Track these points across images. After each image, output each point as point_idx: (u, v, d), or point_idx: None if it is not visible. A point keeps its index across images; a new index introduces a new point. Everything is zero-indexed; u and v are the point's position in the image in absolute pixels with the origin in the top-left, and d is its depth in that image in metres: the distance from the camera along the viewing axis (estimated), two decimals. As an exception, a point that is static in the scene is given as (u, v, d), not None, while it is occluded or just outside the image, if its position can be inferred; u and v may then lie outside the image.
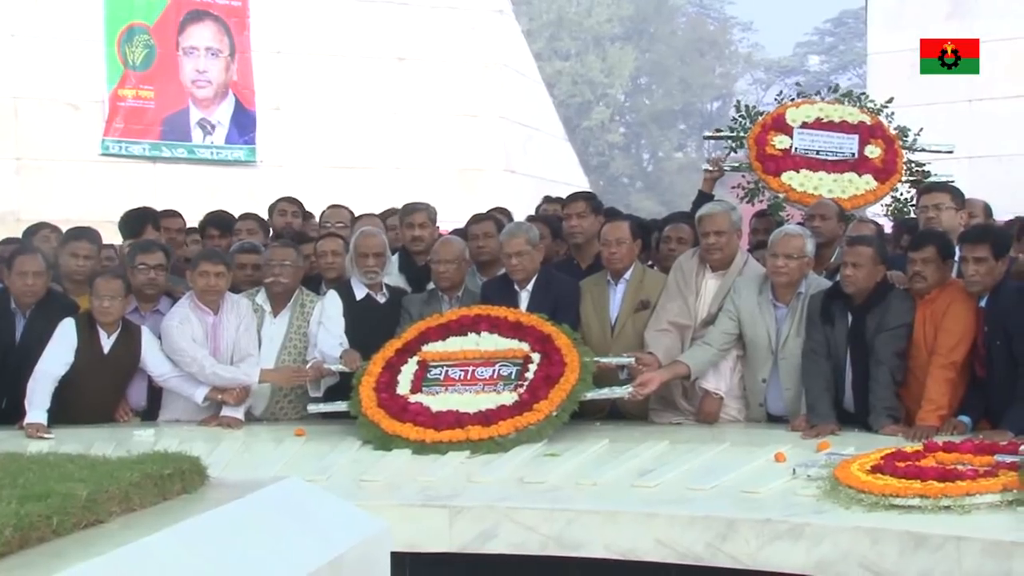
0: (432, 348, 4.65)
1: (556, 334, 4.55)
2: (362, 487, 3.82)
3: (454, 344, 4.65)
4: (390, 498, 3.66)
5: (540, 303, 4.85)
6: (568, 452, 4.12)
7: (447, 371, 4.55)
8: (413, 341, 4.70)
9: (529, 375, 4.44)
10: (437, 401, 4.40)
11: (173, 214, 6.25)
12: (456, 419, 4.26)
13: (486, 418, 4.25)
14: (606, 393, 4.52)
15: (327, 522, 2.89)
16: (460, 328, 4.69)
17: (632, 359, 4.56)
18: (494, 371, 4.50)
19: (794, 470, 3.67)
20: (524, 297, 4.91)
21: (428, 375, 4.55)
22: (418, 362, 4.60)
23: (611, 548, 3.42)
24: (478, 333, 4.66)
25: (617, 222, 5.00)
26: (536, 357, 4.50)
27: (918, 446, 3.76)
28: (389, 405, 4.39)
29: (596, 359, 4.55)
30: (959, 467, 3.42)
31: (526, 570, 3.56)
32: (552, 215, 6.05)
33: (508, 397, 4.36)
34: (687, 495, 3.56)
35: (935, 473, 3.33)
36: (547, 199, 6.85)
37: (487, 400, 4.35)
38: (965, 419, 4.20)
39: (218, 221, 6.18)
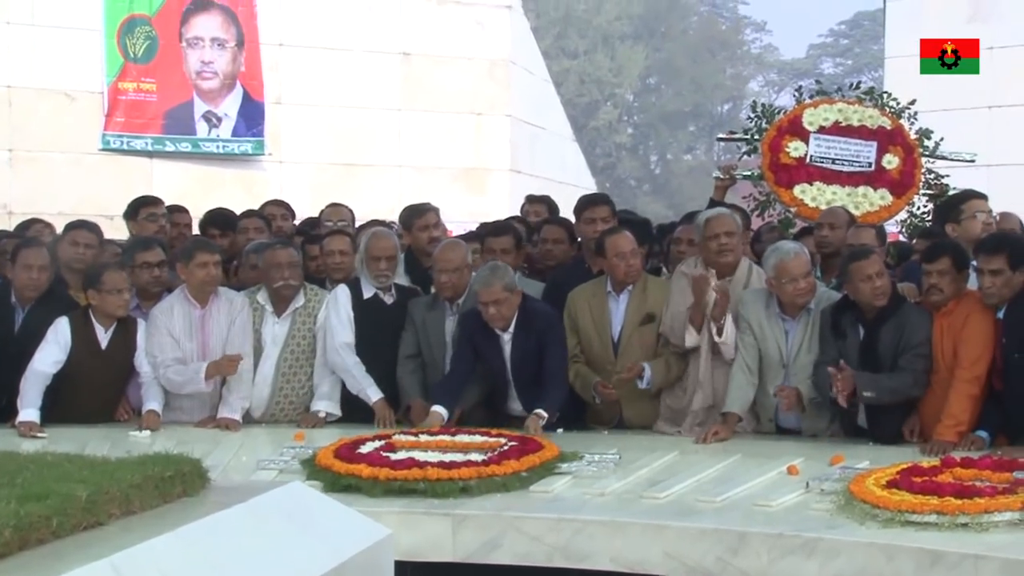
0: (403, 438, 4.22)
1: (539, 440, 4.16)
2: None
3: (426, 437, 4.23)
4: (392, 505, 3.58)
5: (523, 343, 4.62)
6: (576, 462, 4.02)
7: (415, 454, 4.01)
8: (383, 435, 4.33)
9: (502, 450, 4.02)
10: (397, 456, 3.95)
11: (180, 209, 6.25)
12: (414, 463, 3.81)
13: (447, 466, 3.76)
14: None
15: (330, 528, 2.86)
16: (437, 432, 4.31)
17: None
18: (466, 456, 3.96)
19: (808, 483, 3.61)
20: (507, 339, 4.66)
21: (393, 453, 4.05)
22: (385, 442, 4.17)
23: (618, 560, 3.36)
24: (453, 435, 4.23)
25: (625, 233, 4.74)
26: (512, 444, 4.07)
27: (935, 461, 3.70)
28: (344, 455, 3.96)
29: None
30: (977, 483, 3.36)
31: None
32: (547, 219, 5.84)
33: (476, 456, 3.94)
34: (697, 507, 3.50)
35: (952, 489, 3.27)
36: (530, 199, 6.55)
37: (452, 456, 3.94)
38: (983, 434, 4.12)
39: (219, 220, 5.99)
